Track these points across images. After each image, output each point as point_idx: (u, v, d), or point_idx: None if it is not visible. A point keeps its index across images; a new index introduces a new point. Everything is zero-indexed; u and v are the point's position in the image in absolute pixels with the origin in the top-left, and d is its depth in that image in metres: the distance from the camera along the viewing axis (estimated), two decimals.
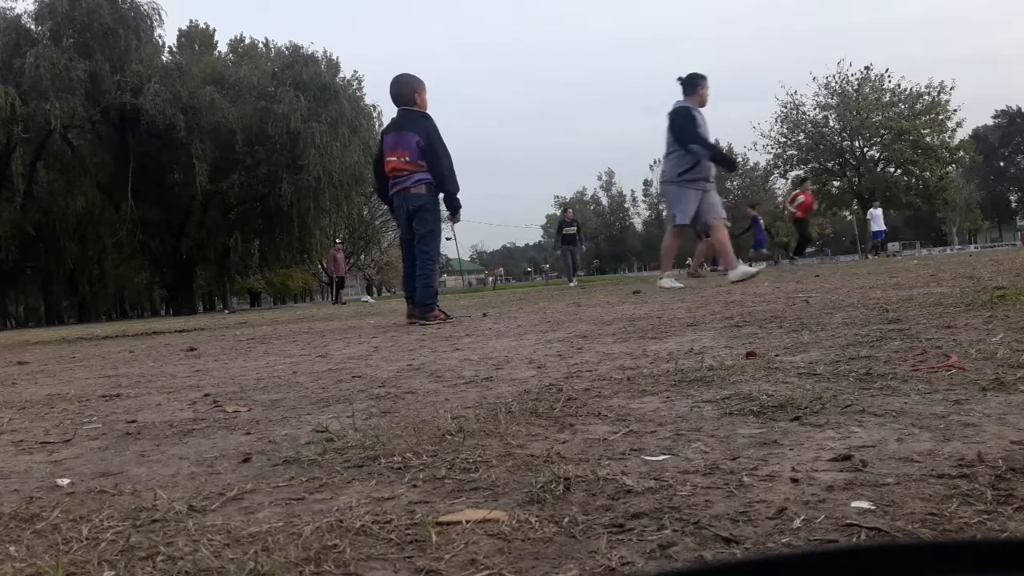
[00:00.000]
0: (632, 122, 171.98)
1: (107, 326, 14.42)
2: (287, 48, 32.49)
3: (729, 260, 6.98)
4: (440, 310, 5.04)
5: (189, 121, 26.89)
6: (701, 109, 6.94)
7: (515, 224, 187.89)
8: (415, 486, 1.02)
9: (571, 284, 15.75)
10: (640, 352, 2.33)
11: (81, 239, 30.36)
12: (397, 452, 1.19)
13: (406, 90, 5.07)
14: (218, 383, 2.43)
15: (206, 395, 2.13)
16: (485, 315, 5.33)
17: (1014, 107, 78.28)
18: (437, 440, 1.27)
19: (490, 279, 48.25)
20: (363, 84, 40.82)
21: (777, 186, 52.15)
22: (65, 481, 1.19)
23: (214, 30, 50.45)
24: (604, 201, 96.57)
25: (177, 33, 47.45)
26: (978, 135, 71.42)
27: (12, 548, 0.86)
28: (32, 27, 26.98)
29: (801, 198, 16.83)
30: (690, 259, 12.93)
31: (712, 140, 6.95)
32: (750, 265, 9.19)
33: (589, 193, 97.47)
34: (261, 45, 45.20)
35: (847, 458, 0.98)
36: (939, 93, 38.10)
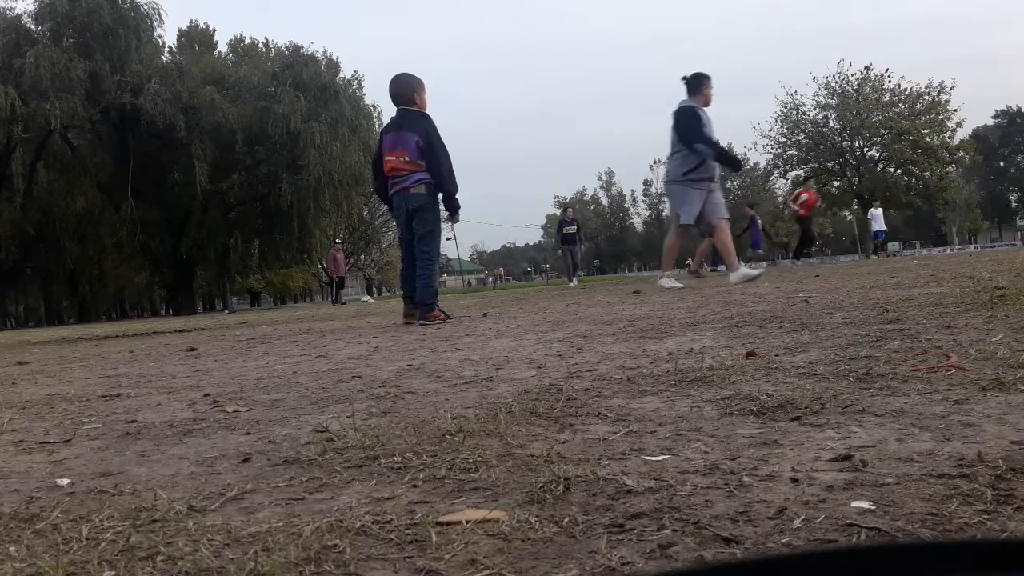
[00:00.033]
0: (632, 122, 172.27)
1: (107, 326, 14.42)
2: (287, 48, 32.49)
3: (732, 261, 6.97)
4: (440, 310, 5.04)
5: (189, 121, 26.89)
6: (706, 109, 6.93)
7: (515, 224, 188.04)
8: (415, 486, 1.02)
9: (571, 284, 15.74)
10: (640, 352, 2.33)
11: (81, 239, 30.36)
12: (397, 452, 1.19)
13: (405, 90, 5.07)
14: (218, 383, 2.43)
15: (206, 395, 2.13)
16: (485, 315, 5.33)
17: (1014, 107, 78.33)
18: (437, 440, 1.27)
19: (490, 279, 48.26)
20: (363, 84, 40.85)
21: (777, 186, 52.17)
22: (65, 481, 1.19)
23: (214, 30, 50.48)
24: (604, 201, 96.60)
25: (177, 33, 47.50)
26: (978, 135, 71.44)
27: (12, 548, 0.86)
28: (32, 27, 26.98)
29: (804, 196, 16.82)
30: (690, 259, 12.92)
31: (716, 139, 6.93)
32: (749, 267, 9.18)
33: (589, 193, 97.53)
34: (261, 45, 45.20)
35: (847, 458, 0.98)
36: (939, 93, 38.11)
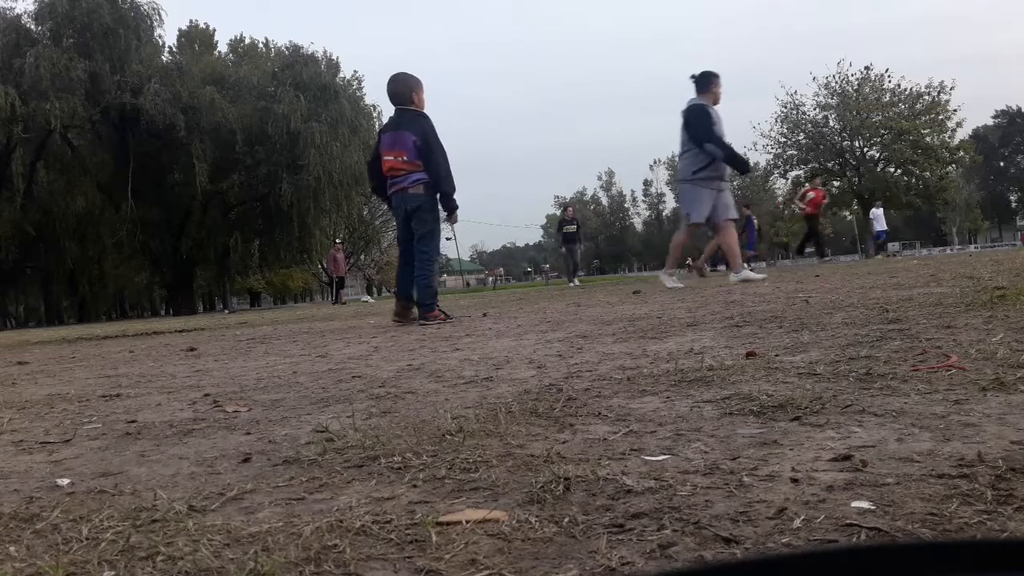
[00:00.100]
0: (632, 122, 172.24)
1: (107, 326, 14.42)
2: (287, 48, 32.49)
3: (736, 262, 6.97)
4: (440, 310, 5.04)
5: (189, 121, 26.89)
6: (715, 107, 6.91)
7: (515, 224, 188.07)
8: (415, 486, 1.02)
9: (571, 284, 15.73)
10: (640, 352, 2.33)
11: (81, 239, 30.35)
12: (397, 452, 1.19)
13: (403, 89, 5.06)
14: (218, 383, 2.43)
15: (206, 395, 2.13)
16: (485, 315, 5.33)
17: (1014, 107, 78.33)
18: (437, 440, 1.27)
19: (490, 279, 48.25)
20: (363, 84, 40.85)
21: (777, 186, 52.14)
22: (65, 481, 1.19)
23: (214, 30, 50.48)
24: (604, 201, 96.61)
25: (177, 33, 47.51)
26: (978, 135, 71.44)
27: (12, 548, 0.86)
28: (32, 27, 26.97)
29: (811, 194, 16.76)
30: (691, 259, 12.90)
31: (727, 138, 6.90)
32: (751, 270, 9.18)
33: (589, 193, 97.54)
34: (261, 45, 45.20)
35: (847, 458, 0.98)
36: (939, 93, 38.09)
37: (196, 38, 48.25)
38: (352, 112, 30.98)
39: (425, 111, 5.09)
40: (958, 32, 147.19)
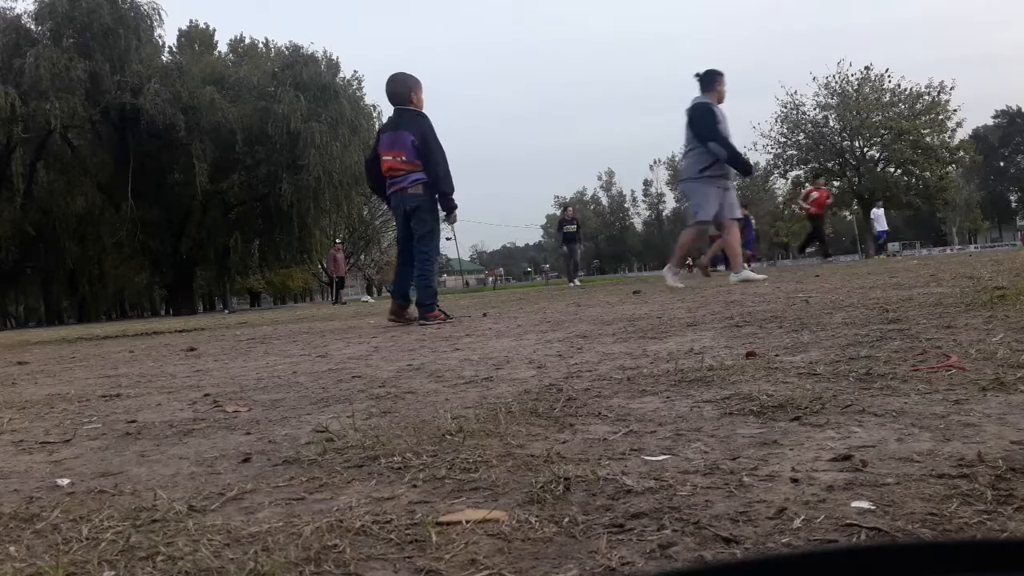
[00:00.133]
0: (632, 122, 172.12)
1: (107, 326, 14.42)
2: (287, 48, 32.49)
3: (737, 262, 6.96)
4: (440, 310, 5.04)
5: (189, 121, 26.88)
6: (720, 106, 6.89)
7: (515, 224, 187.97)
8: (415, 486, 1.02)
9: (571, 284, 15.72)
10: (640, 352, 2.33)
11: (81, 239, 30.35)
12: (397, 452, 1.20)
13: (402, 89, 5.06)
14: (218, 383, 2.43)
15: (206, 395, 2.13)
16: (485, 315, 5.33)
17: (1014, 107, 78.32)
18: (437, 440, 1.27)
19: (490, 279, 48.25)
20: (363, 84, 40.84)
21: (777, 186, 52.10)
22: (65, 481, 1.19)
23: (214, 30, 50.48)
24: (604, 201, 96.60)
25: (177, 33, 47.49)
26: (978, 135, 71.42)
27: (12, 548, 0.86)
28: (32, 27, 26.97)
29: (815, 195, 16.69)
30: (691, 259, 12.87)
31: (732, 137, 6.87)
32: (752, 271, 9.16)
33: (589, 193, 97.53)
34: (261, 45, 45.20)
35: (847, 458, 0.98)
36: (939, 93, 38.08)
37: (196, 38, 48.25)
38: (352, 112, 30.97)
39: (424, 111, 5.09)
40: (958, 32, 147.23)
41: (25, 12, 28.06)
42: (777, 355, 1.98)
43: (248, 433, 1.50)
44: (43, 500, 1.08)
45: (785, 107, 40.51)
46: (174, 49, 40.18)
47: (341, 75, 36.60)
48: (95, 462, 1.33)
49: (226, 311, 27.54)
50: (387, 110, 5.22)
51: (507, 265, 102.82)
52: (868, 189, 38.67)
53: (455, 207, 5.16)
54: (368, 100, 38.06)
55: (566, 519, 0.83)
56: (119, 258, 32.30)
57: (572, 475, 0.98)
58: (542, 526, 0.82)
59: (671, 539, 0.75)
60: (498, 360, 2.45)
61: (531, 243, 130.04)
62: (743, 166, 6.95)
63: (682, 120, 6.94)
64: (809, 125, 40.37)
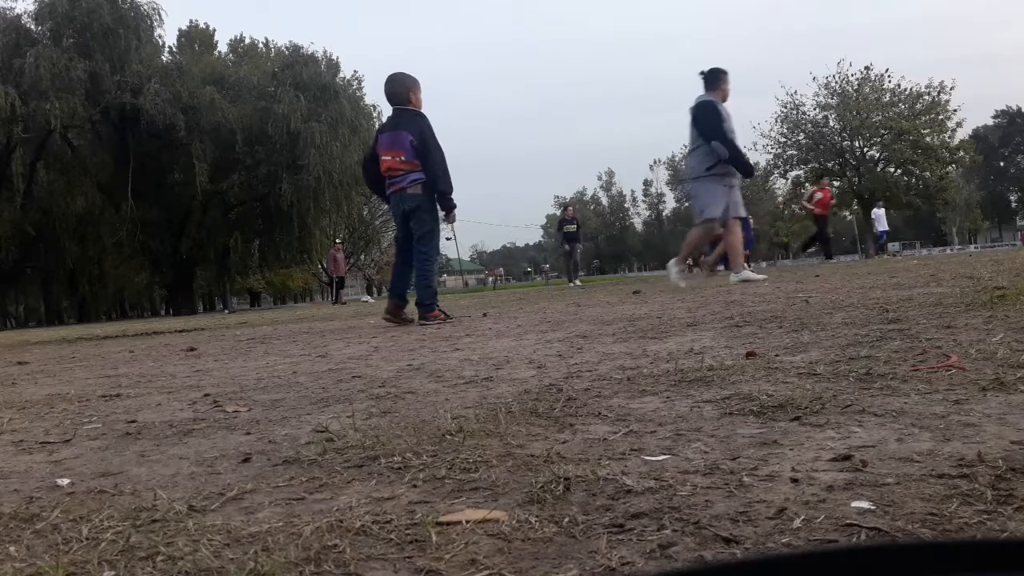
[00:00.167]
0: (632, 122, 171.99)
1: (107, 326, 14.42)
2: (287, 48, 32.48)
3: (738, 262, 6.95)
4: (440, 310, 5.03)
5: (189, 121, 26.88)
6: (724, 104, 6.88)
7: (515, 224, 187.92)
8: (415, 486, 1.02)
9: (571, 284, 15.71)
10: (640, 352, 2.33)
11: (81, 239, 30.35)
12: (397, 452, 1.20)
13: (400, 89, 5.06)
14: (218, 383, 2.43)
15: (206, 395, 2.13)
16: (485, 315, 5.33)
17: (1014, 107, 78.30)
18: (437, 440, 1.27)
19: (490, 279, 48.25)
20: (363, 84, 40.82)
21: (777, 186, 52.07)
22: (65, 481, 1.19)
23: (214, 30, 50.46)
24: (604, 201, 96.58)
25: (177, 33, 47.48)
26: (978, 135, 71.39)
27: (12, 548, 0.86)
28: (32, 27, 26.96)
29: (819, 195, 16.60)
30: (691, 259, 12.82)
31: (737, 136, 6.85)
32: (752, 271, 9.14)
33: (589, 193, 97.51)
34: (261, 45, 45.19)
35: (847, 458, 0.98)
36: (939, 93, 38.07)
37: (196, 38, 48.24)
38: (352, 112, 30.97)
39: (423, 111, 5.09)
40: (958, 32, 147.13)
41: (25, 12, 28.07)
42: (777, 355, 1.98)
43: (248, 433, 1.50)
44: (43, 500, 1.08)
45: (785, 107, 40.51)
46: (174, 49, 40.18)
47: (341, 75, 36.62)
48: (95, 462, 1.33)
49: (226, 311, 27.54)
50: (387, 110, 5.23)
51: (507, 265, 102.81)
52: (868, 189, 38.66)
53: (454, 207, 5.16)
54: (368, 100, 38.07)
55: (566, 519, 0.83)
56: (119, 258, 32.30)
57: (572, 475, 0.98)
58: (542, 526, 0.82)
59: (671, 539, 0.75)
60: (498, 360, 2.45)
61: (531, 243, 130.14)
62: (744, 167, 6.93)
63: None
64: (809, 125, 40.36)
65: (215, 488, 1.08)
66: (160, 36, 29.92)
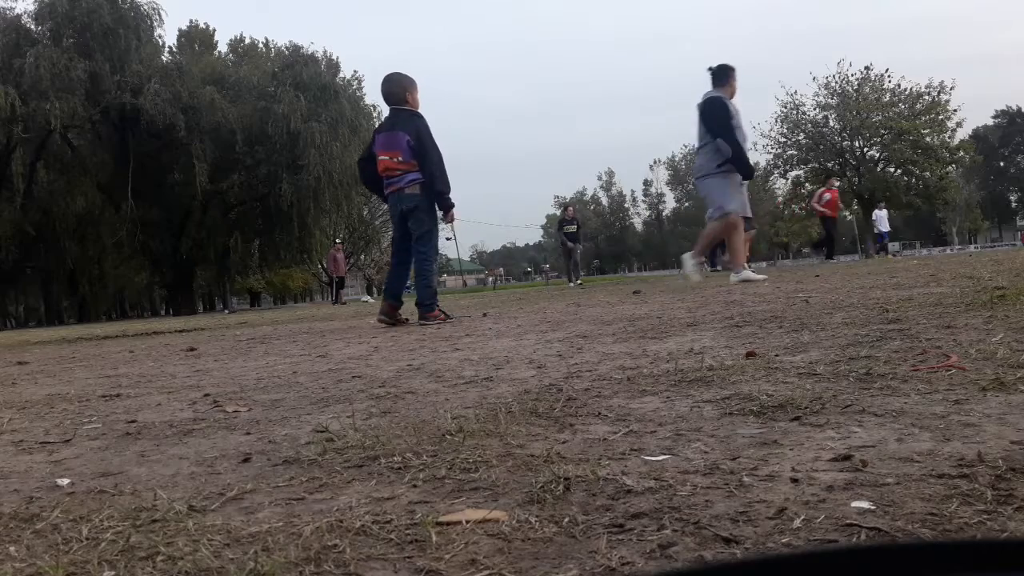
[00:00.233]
0: (632, 122, 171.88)
1: (107, 326, 14.42)
2: (287, 48, 32.49)
3: (739, 261, 6.95)
4: (440, 310, 5.03)
5: (189, 121, 26.88)
6: (732, 101, 6.85)
7: (515, 224, 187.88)
8: (415, 486, 1.02)
9: (571, 284, 15.71)
10: (640, 352, 2.33)
11: (81, 239, 30.35)
12: (397, 452, 1.20)
13: (397, 89, 5.06)
14: (218, 383, 2.43)
15: (206, 395, 2.13)
16: (485, 315, 5.33)
17: (1014, 107, 78.29)
18: (437, 440, 1.27)
19: (490, 279, 48.25)
20: (363, 84, 40.84)
21: (777, 186, 52.05)
22: (65, 481, 1.19)
23: (214, 30, 50.47)
24: (604, 201, 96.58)
25: (177, 33, 47.49)
26: (978, 135, 71.38)
27: (12, 548, 0.86)
28: (32, 27, 26.96)
29: (828, 195, 16.49)
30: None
31: (744, 136, 6.82)
32: (752, 271, 9.13)
33: (589, 193, 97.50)
34: (261, 45, 45.20)
35: (847, 458, 0.98)
36: (939, 93, 38.05)
37: (196, 38, 48.25)
38: (352, 112, 30.97)
39: (420, 111, 5.10)
40: (958, 32, 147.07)
41: (25, 12, 28.10)
42: (777, 355, 1.98)
43: (248, 433, 1.50)
44: (43, 500, 1.08)
45: (785, 107, 40.50)
46: (174, 49, 40.18)
47: (341, 75, 36.65)
48: (95, 462, 1.33)
49: (226, 311, 27.54)
50: (387, 110, 5.23)
51: (507, 265, 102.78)
52: (868, 189, 38.65)
53: (452, 206, 5.15)
54: (368, 100, 38.08)
55: (566, 519, 0.83)
56: (119, 258, 32.30)
57: (572, 475, 0.98)
58: (542, 526, 0.82)
59: (671, 539, 0.75)
60: (498, 360, 2.45)
61: (531, 243, 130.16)
62: (744, 167, 6.89)
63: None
64: (809, 125, 40.35)
65: (215, 488, 1.08)
66: (160, 36, 29.96)
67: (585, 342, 2.78)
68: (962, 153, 39.76)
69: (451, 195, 5.05)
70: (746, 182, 6.96)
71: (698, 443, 1.14)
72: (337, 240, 29.23)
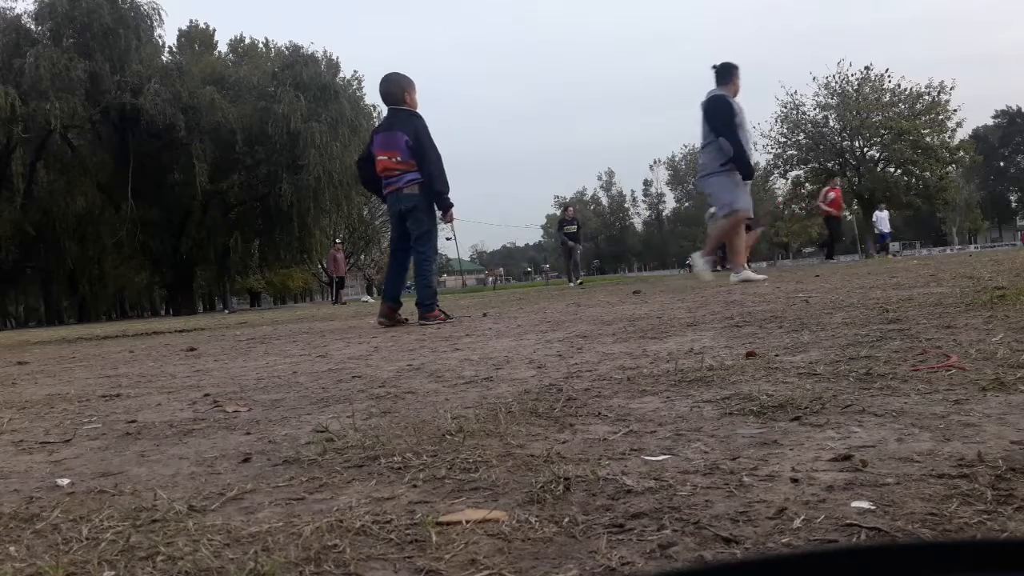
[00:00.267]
0: (632, 122, 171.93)
1: (107, 326, 14.42)
2: (287, 48, 32.50)
3: (739, 260, 6.95)
4: (440, 310, 5.03)
5: (189, 121, 26.88)
6: (735, 99, 6.84)
7: (515, 224, 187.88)
8: (415, 486, 1.02)
9: (571, 284, 15.71)
10: (640, 352, 2.33)
11: (81, 239, 30.35)
12: (397, 452, 1.20)
13: (395, 89, 5.06)
14: (218, 383, 2.43)
15: (206, 395, 2.13)
16: (485, 315, 5.33)
17: (1014, 107, 78.27)
18: (437, 440, 1.27)
19: (490, 279, 48.26)
20: (363, 84, 40.85)
21: (777, 186, 52.05)
22: (65, 481, 1.19)
23: (214, 30, 50.48)
24: (604, 201, 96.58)
25: (177, 33, 47.51)
26: (978, 135, 71.37)
27: (12, 548, 0.86)
28: (32, 27, 26.96)
29: (832, 195, 16.42)
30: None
31: (748, 135, 6.81)
32: (752, 271, 9.13)
33: (589, 193, 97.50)
34: (261, 45, 45.21)
35: (847, 458, 0.98)
36: (939, 93, 38.06)
37: (196, 38, 48.26)
38: (352, 112, 30.98)
39: (418, 111, 5.10)
40: (958, 32, 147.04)
41: (25, 12, 28.10)
42: (777, 355, 1.98)
43: (248, 433, 1.50)
44: (43, 500, 1.08)
45: (785, 107, 40.51)
46: (174, 49, 40.19)
47: (341, 75, 36.66)
48: (95, 462, 1.33)
49: (226, 311, 27.54)
50: (386, 111, 5.23)
51: (507, 265, 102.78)
52: (868, 189, 38.66)
53: (451, 206, 5.15)
54: (368, 100, 38.08)
55: (566, 519, 0.83)
56: (119, 258, 32.30)
57: (572, 475, 0.98)
58: (542, 526, 0.82)
59: (671, 539, 0.75)
60: (498, 360, 2.45)
61: (531, 243, 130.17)
62: (744, 167, 6.86)
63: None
64: (809, 125, 40.35)
65: (215, 488, 1.08)
66: (160, 36, 29.96)
67: (585, 342, 2.78)
68: (962, 153, 39.76)
69: (450, 195, 5.05)
70: (748, 181, 6.96)
71: (698, 443, 1.14)
72: (337, 240, 29.24)
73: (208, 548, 0.81)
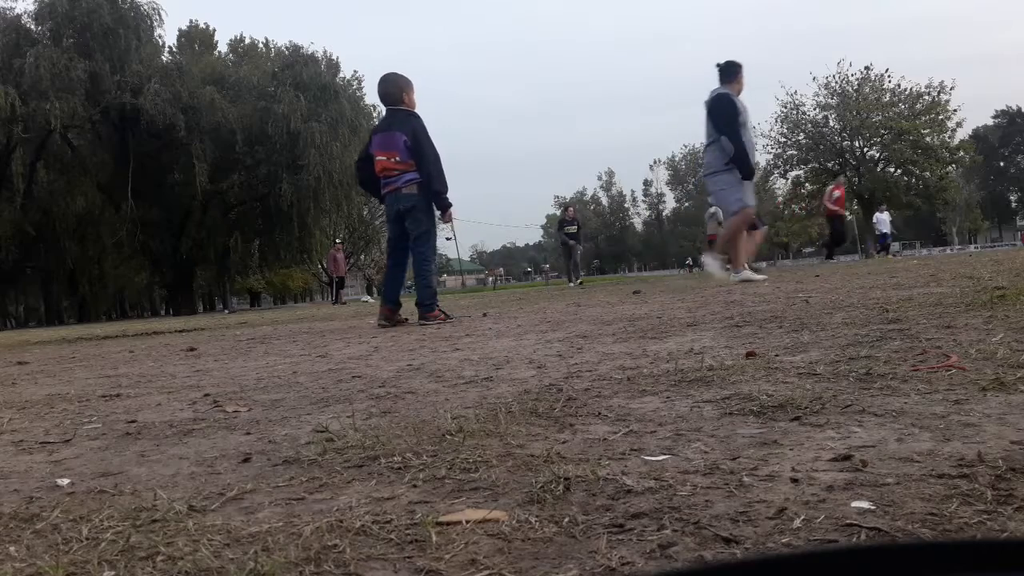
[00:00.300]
0: (632, 122, 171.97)
1: (107, 326, 14.42)
2: (287, 48, 32.50)
3: (739, 261, 6.95)
4: (440, 310, 5.03)
5: (189, 121, 26.88)
6: (739, 97, 6.83)
7: (515, 224, 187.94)
8: (415, 486, 1.02)
9: (571, 284, 15.71)
10: (640, 352, 2.33)
11: (81, 239, 30.35)
12: (397, 452, 1.20)
13: (394, 90, 5.07)
14: (218, 383, 2.43)
15: (206, 395, 2.13)
16: (485, 315, 5.33)
17: (1014, 107, 78.28)
18: (437, 440, 1.27)
19: (490, 279, 48.26)
20: (363, 84, 40.85)
21: (777, 186, 52.06)
22: (65, 481, 1.19)
23: (214, 30, 50.50)
24: (604, 201, 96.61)
25: (177, 33, 47.52)
26: (978, 135, 71.37)
27: (12, 548, 0.86)
28: (32, 27, 26.97)
29: (837, 193, 16.33)
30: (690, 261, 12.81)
31: (750, 137, 6.80)
32: (753, 271, 9.13)
33: (589, 193, 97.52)
34: (261, 45, 45.22)
35: (847, 458, 0.98)
36: (939, 93, 38.06)
37: (196, 38, 48.26)
38: (352, 112, 30.98)
39: (416, 111, 5.10)
40: (958, 32, 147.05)
41: (25, 12, 28.09)
42: (777, 355, 1.98)
43: (248, 433, 1.50)
44: (43, 500, 1.08)
45: (785, 107, 40.51)
46: (174, 49, 40.19)
47: (341, 75, 36.68)
48: (95, 462, 1.33)
49: (226, 311, 27.54)
50: (385, 111, 5.23)
51: (507, 265, 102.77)
52: (868, 189, 38.66)
53: (449, 206, 5.14)
54: (368, 100, 38.07)
55: (566, 519, 0.83)
56: (119, 258, 32.30)
57: (572, 475, 0.98)
58: (542, 526, 0.82)
59: (671, 539, 0.75)
60: (498, 360, 2.45)
61: (531, 243, 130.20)
62: (745, 167, 6.84)
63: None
64: (809, 125, 40.35)
65: (215, 488, 1.08)
66: (160, 36, 29.97)
67: (585, 342, 2.78)
68: (962, 153, 39.75)
69: (449, 195, 5.05)
70: (751, 181, 6.96)
71: (698, 443, 1.14)
72: (337, 240, 29.23)
73: (208, 548, 0.81)
